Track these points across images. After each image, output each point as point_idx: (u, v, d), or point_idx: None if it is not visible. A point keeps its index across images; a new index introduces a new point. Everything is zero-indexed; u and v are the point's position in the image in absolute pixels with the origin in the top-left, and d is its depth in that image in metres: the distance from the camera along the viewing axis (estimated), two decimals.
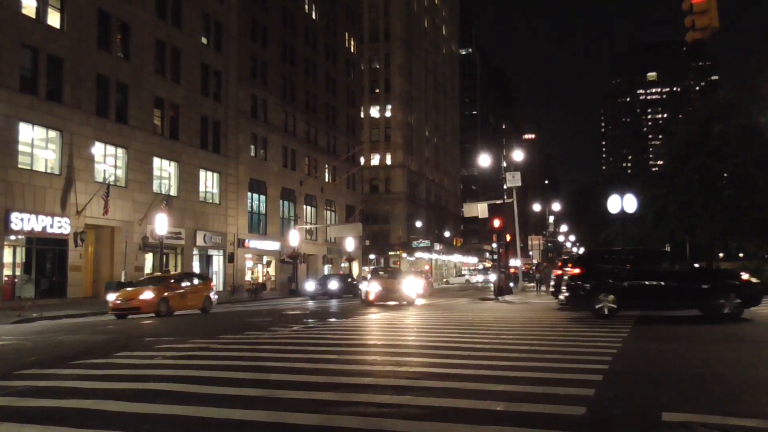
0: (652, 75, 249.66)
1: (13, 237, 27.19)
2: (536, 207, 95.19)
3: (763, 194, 32.77)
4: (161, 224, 27.30)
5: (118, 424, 5.12)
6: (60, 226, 28.59)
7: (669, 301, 14.18)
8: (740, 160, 33.55)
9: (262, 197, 47.33)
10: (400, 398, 5.83)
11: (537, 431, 4.57)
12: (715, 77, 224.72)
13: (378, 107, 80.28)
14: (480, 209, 36.09)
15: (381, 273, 28.67)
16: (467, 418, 4.96)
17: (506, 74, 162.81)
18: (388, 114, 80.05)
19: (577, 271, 15.27)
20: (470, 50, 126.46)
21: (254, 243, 45.20)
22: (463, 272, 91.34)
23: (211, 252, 41.29)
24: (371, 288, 24.32)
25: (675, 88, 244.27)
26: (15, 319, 19.33)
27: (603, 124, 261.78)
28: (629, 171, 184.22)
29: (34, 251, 28.56)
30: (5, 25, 26.54)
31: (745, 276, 14.38)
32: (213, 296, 23.52)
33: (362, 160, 71.87)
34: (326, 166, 57.58)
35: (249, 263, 46.33)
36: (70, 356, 9.67)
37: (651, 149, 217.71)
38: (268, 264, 49.71)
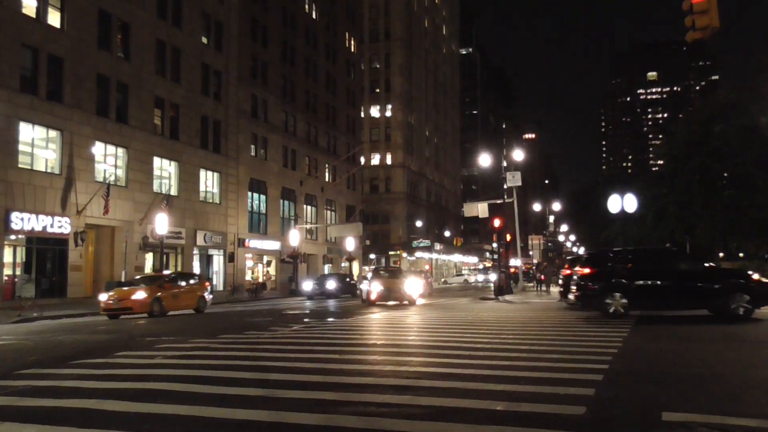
0: (652, 75, 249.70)
1: (13, 237, 27.21)
2: (536, 207, 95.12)
3: (763, 194, 32.80)
4: (161, 224, 27.32)
5: (119, 423, 5.12)
6: (60, 225, 28.61)
7: (681, 301, 14.07)
8: (740, 160, 33.58)
9: (263, 197, 47.34)
10: (401, 398, 5.82)
11: (537, 431, 4.57)
12: (716, 77, 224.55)
13: (378, 107, 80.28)
14: (480, 209, 36.04)
15: (382, 272, 28.35)
16: (468, 418, 4.96)
17: (506, 74, 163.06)
18: (388, 114, 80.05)
19: (587, 270, 15.10)
20: (470, 50, 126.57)
21: (254, 243, 45.22)
22: (462, 272, 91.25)
23: (211, 252, 41.31)
24: (373, 287, 24.06)
25: (675, 88, 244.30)
26: (15, 319, 19.35)
27: (603, 124, 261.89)
28: (629, 171, 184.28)
29: (34, 251, 28.57)
30: (5, 25, 26.55)
31: (755, 276, 14.36)
32: (208, 296, 23.35)
33: (362, 159, 71.85)
34: (326, 165, 57.60)
35: (249, 263, 46.34)
36: (71, 356, 9.67)
37: (651, 149, 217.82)
38: (269, 264, 49.72)
